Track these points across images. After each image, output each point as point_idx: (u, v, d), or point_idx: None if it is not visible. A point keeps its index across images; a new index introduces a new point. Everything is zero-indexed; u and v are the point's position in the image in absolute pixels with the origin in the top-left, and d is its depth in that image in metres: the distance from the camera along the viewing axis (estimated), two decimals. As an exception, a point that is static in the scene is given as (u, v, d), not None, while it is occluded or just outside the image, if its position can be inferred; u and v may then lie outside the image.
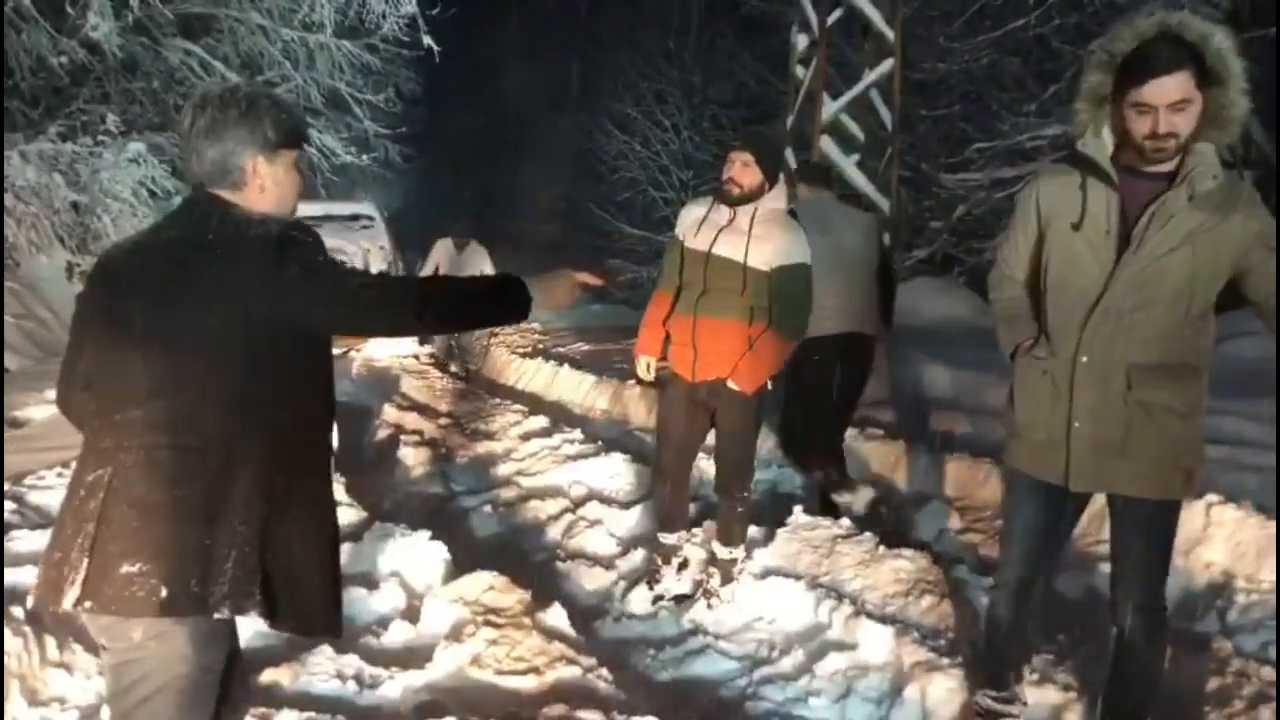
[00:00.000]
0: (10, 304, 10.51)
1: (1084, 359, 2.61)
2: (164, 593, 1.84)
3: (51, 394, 2.26)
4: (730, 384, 3.96)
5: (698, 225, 4.06)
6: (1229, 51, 2.38)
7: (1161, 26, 2.41)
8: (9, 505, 4.62)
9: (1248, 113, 2.46)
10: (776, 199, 4.01)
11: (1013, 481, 2.94)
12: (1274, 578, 3.81)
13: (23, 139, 10.34)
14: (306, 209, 12.06)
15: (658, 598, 4.29)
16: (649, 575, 4.43)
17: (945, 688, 3.35)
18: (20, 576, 3.69)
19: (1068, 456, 2.67)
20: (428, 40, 12.54)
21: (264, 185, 2.01)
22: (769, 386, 4.12)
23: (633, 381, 5.32)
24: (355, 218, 11.85)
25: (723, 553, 4.29)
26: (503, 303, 2.17)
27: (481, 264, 10.22)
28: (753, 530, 4.76)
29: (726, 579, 4.28)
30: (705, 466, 5.09)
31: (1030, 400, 2.78)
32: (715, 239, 3.97)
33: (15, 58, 10.44)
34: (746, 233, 3.92)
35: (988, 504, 5.17)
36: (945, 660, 3.47)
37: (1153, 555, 2.74)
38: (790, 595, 4.13)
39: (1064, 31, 11.43)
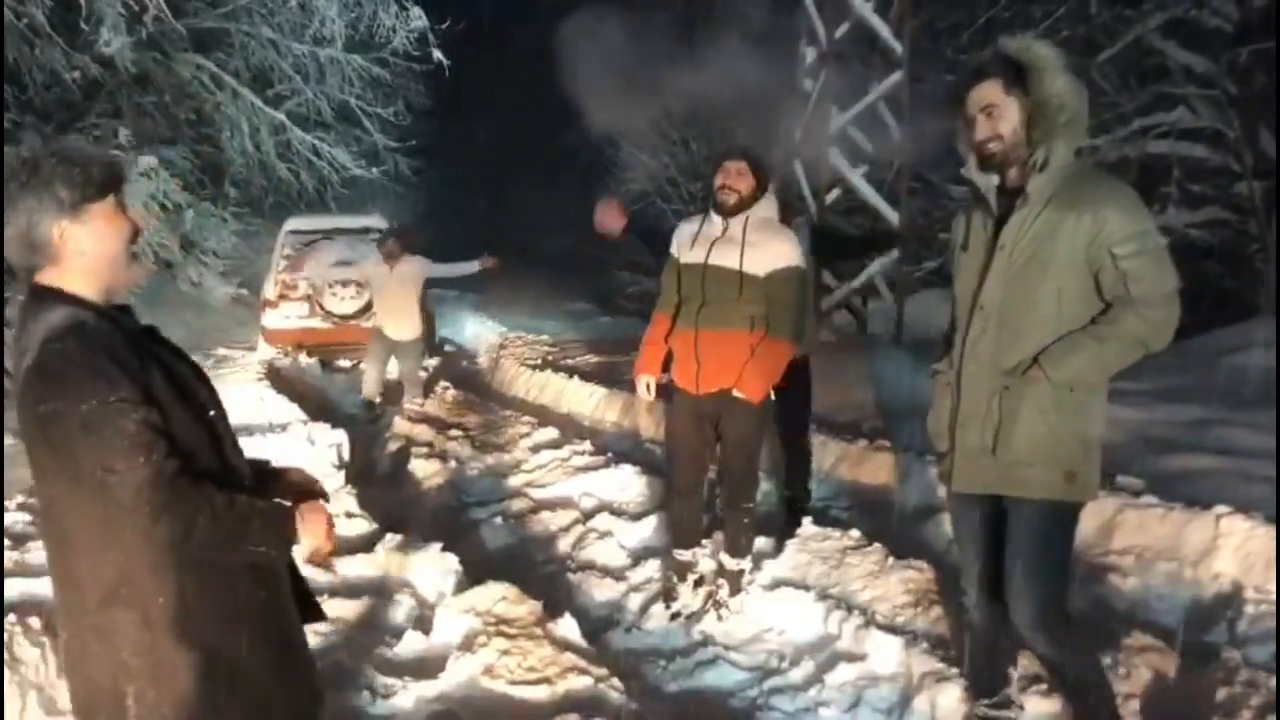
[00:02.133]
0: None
1: (970, 367, 2.78)
2: None
3: None
4: (736, 393, 3.99)
5: (691, 241, 4.13)
6: (1041, 58, 2.59)
7: (994, 49, 2.69)
8: (24, 517, 4.67)
9: (1070, 112, 2.58)
10: (767, 207, 4.10)
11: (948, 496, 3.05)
12: (1282, 588, 3.82)
13: (36, 154, 10.43)
14: (317, 222, 12.16)
15: (675, 615, 4.30)
16: (665, 593, 4.44)
17: (954, 698, 3.36)
18: (36, 587, 3.74)
19: (952, 459, 2.86)
20: (438, 54, 12.62)
21: (82, 249, 1.76)
22: (772, 396, 4.15)
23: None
24: (365, 230, 11.90)
25: (730, 564, 4.31)
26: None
27: (417, 281, 8.83)
28: (762, 541, 4.78)
29: (735, 590, 4.30)
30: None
31: (936, 411, 2.96)
32: (710, 250, 4.04)
33: (29, 73, 10.55)
34: (740, 241, 3.99)
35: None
36: (954, 670, 3.47)
37: (1020, 560, 2.76)
38: (800, 606, 4.14)
39: (1072, 44, 11.44)
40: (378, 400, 9.09)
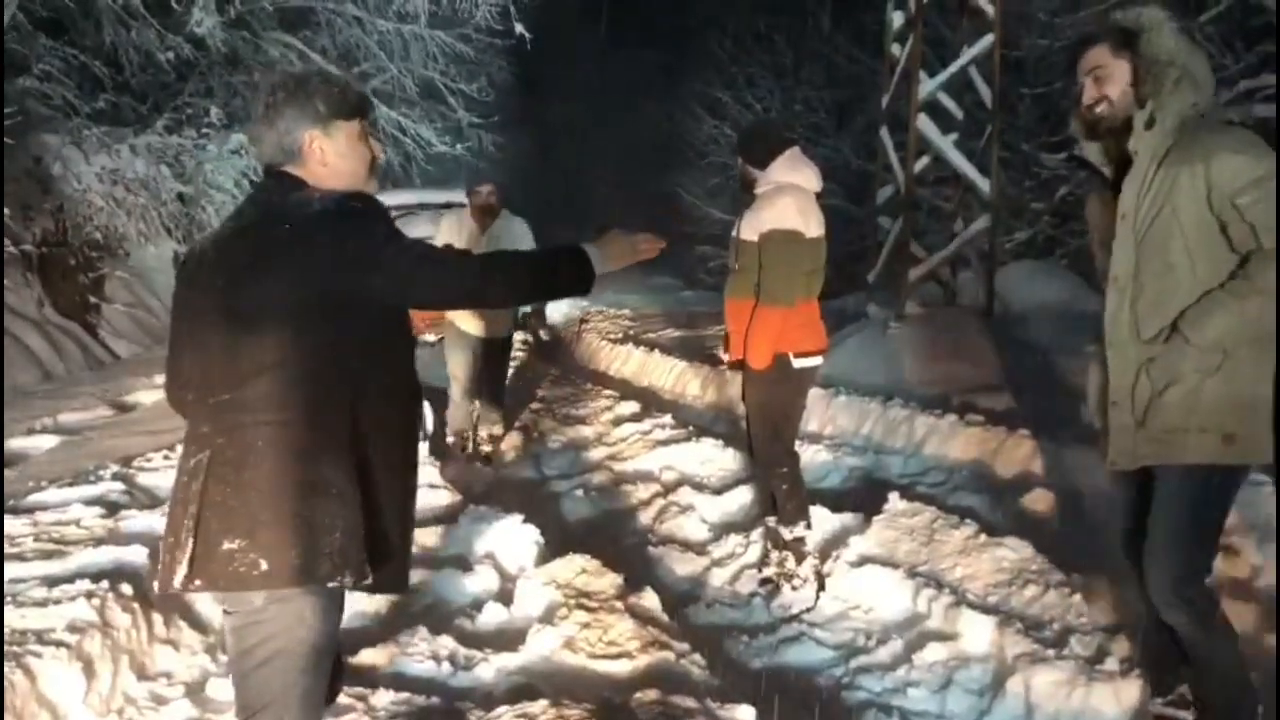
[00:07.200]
0: (121, 293, 10.91)
1: (1114, 344, 2.70)
2: (264, 566, 1.88)
3: (159, 379, 2.32)
4: (747, 360, 4.11)
5: (741, 220, 4.23)
6: (1149, 19, 2.56)
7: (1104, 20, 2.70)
8: (119, 486, 4.77)
9: (1180, 69, 2.53)
10: (771, 178, 4.12)
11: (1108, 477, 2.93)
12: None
13: (132, 133, 10.70)
14: (402, 197, 12.26)
15: (764, 581, 4.29)
16: (760, 561, 4.43)
17: (1050, 680, 3.23)
18: (128, 555, 3.81)
19: (1107, 438, 2.77)
20: (520, 28, 12.61)
21: (325, 160, 2.04)
22: (791, 360, 4.09)
23: (723, 367, 5.38)
24: (449, 205, 11.96)
25: (785, 532, 4.26)
26: (564, 273, 2.17)
27: (518, 242, 5.80)
28: (848, 517, 4.69)
29: (799, 558, 4.23)
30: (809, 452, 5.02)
31: (1090, 390, 2.90)
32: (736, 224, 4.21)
33: (126, 54, 10.79)
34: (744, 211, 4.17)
35: (1093, 491, 4.98)
36: (1050, 652, 3.35)
37: (1168, 527, 2.65)
38: (887, 583, 4.04)
39: (1174, 4, 10.95)
40: (469, 435, 6.53)
